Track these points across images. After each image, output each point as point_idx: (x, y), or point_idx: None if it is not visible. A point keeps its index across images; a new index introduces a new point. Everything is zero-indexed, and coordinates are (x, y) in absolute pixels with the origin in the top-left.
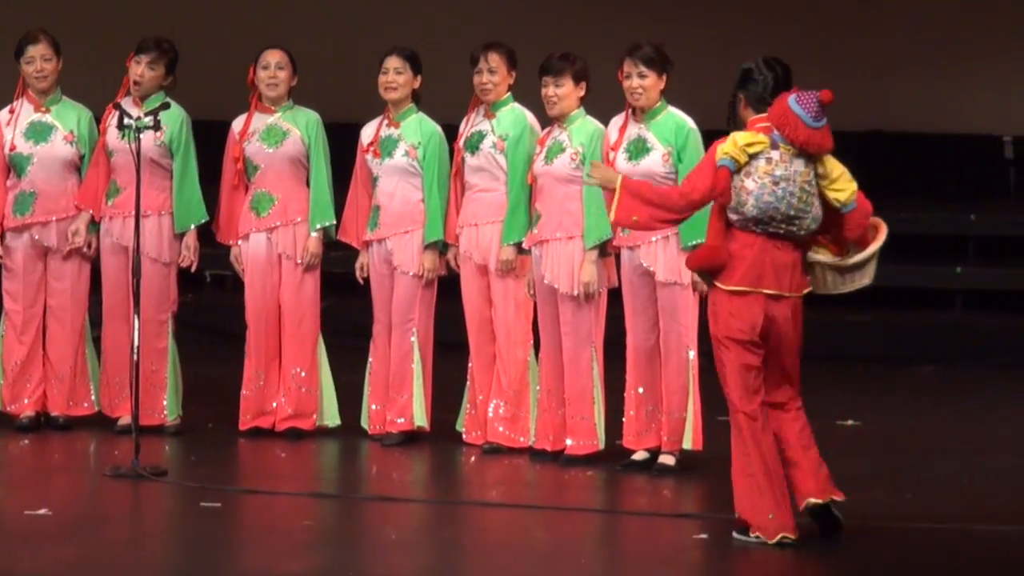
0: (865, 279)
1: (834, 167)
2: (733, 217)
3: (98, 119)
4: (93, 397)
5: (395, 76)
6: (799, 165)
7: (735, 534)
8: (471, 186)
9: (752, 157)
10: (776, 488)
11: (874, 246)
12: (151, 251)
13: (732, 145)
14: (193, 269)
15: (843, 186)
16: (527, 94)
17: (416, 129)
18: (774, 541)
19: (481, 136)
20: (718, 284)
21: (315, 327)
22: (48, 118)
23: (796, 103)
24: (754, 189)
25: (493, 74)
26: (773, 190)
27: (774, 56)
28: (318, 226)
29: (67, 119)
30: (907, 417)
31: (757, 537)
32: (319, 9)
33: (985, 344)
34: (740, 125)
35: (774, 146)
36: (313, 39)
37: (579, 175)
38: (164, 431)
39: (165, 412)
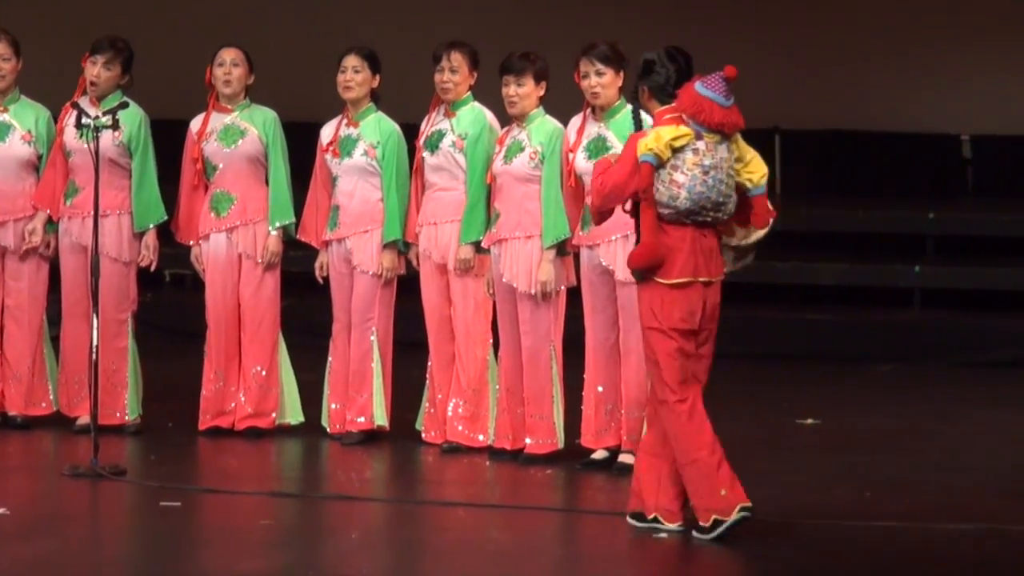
0: (751, 258)
1: (746, 150)
2: (664, 212)
3: (56, 118)
4: (52, 397)
5: (353, 75)
6: (723, 151)
7: (629, 519)
8: (431, 185)
9: (677, 151)
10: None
11: (767, 228)
12: (111, 250)
13: (656, 140)
14: (152, 268)
15: (755, 168)
16: (489, 94)
17: (375, 128)
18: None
19: (441, 135)
20: (658, 279)
21: (275, 326)
22: (6, 117)
23: (704, 87)
24: (685, 182)
25: (454, 73)
26: (704, 180)
27: (675, 46)
28: (277, 224)
29: (25, 119)
30: (866, 416)
31: (655, 520)
32: (278, 7)
33: (944, 342)
34: (648, 112)
35: (698, 136)
36: (272, 37)
37: (538, 174)
38: (123, 430)
39: (126, 411)
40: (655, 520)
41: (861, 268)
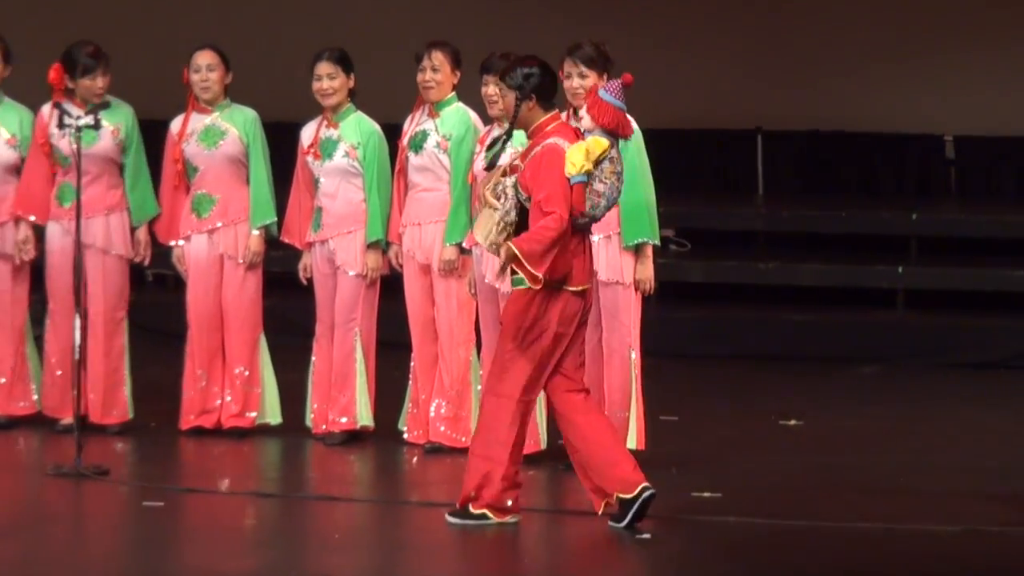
0: None
1: None
2: (580, 221)
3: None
4: (35, 397)
5: (329, 83)
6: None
7: (453, 519)
8: (414, 185)
9: (597, 163)
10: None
11: None
12: (118, 248)
13: (584, 158)
14: (147, 263)
15: None
16: (473, 94)
17: (355, 129)
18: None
19: (425, 135)
20: (568, 288)
21: (257, 326)
22: None
23: (608, 94)
24: (605, 190)
25: (436, 72)
26: (617, 186)
27: (531, 56)
28: (259, 224)
29: (9, 122)
30: (849, 417)
31: (485, 516)
32: (256, 4)
33: (927, 343)
34: (526, 126)
35: (613, 145)
36: (251, 36)
37: None
38: (107, 430)
39: (127, 410)
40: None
41: (844, 269)
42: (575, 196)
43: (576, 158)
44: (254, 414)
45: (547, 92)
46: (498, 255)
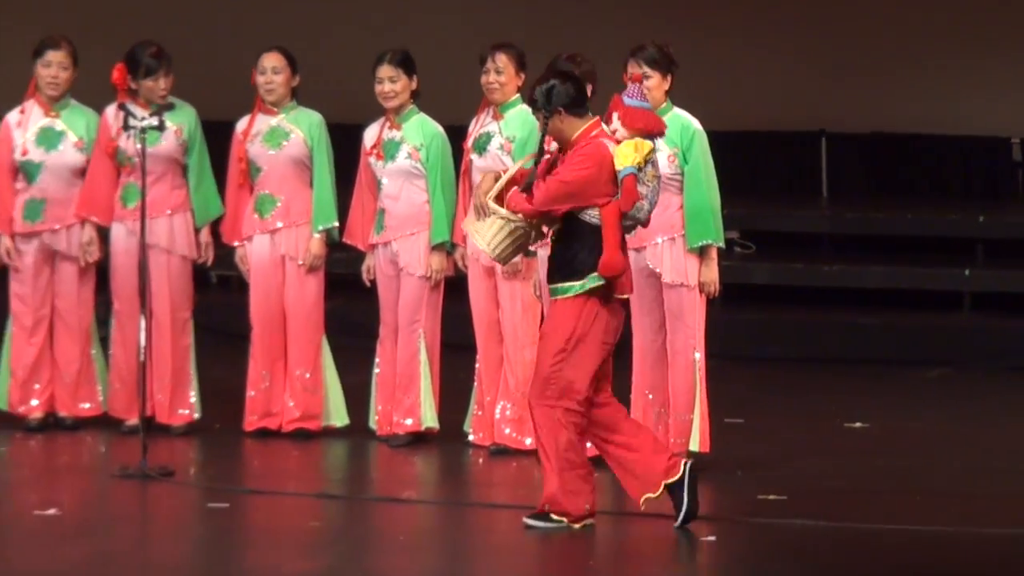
0: None
1: None
2: (625, 224)
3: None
4: (100, 398)
5: (391, 85)
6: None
7: (531, 521)
8: None
9: (645, 162)
10: (590, 476)
11: None
12: (182, 249)
13: (636, 152)
14: (209, 263)
15: None
16: None
17: (418, 131)
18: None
19: (489, 137)
20: (617, 297)
21: (319, 328)
22: (58, 124)
23: (631, 98)
24: (647, 193)
25: (500, 74)
26: (657, 189)
27: (548, 70)
28: (320, 228)
29: (76, 125)
30: (914, 420)
31: (561, 522)
32: (323, 8)
33: (994, 346)
34: (567, 139)
35: (654, 148)
36: (316, 38)
37: None
38: (172, 431)
39: (194, 409)
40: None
41: (910, 271)
42: (627, 186)
43: (627, 151)
44: (315, 417)
45: (575, 100)
46: (504, 263)
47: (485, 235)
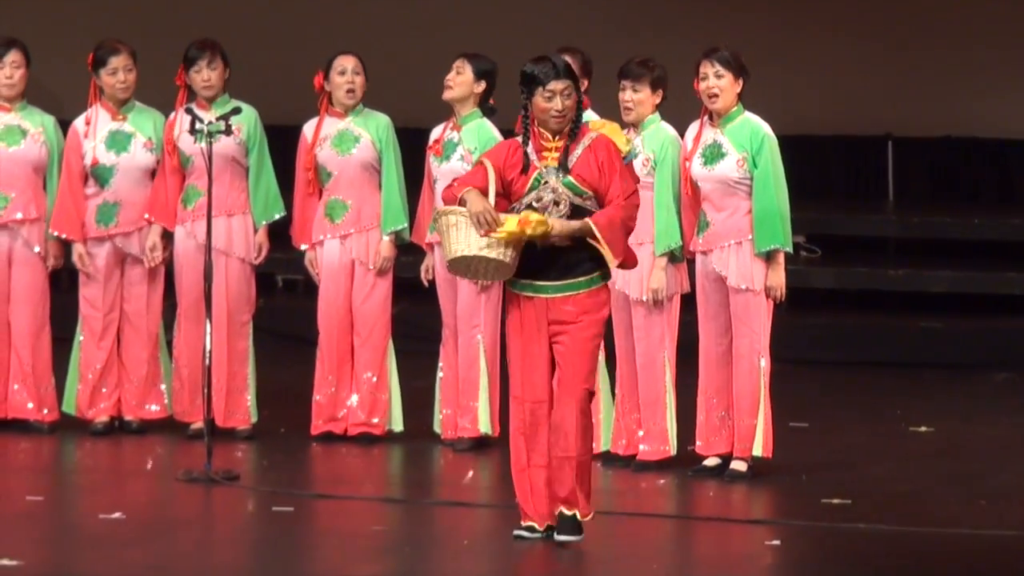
0: None
1: None
2: None
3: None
4: (166, 400)
5: (454, 75)
6: None
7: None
8: None
9: None
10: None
11: None
12: (239, 251)
13: (626, 142)
14: (258, 262)
15: None
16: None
17: (475, 134)
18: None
19: None
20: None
21: (386, 332)
22: (126, 126)
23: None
24: None
25: None
26: None
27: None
28: (390, 230)
29: (144, 126)
30: (980, 424)
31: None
32: (388, 12)
33: None
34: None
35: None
36: (382, 42)
37: (650, 181)
38: (236, 435)
39: (248, 415)
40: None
41: (975, 276)
42: (633, 172)
43: (620, 136)
44: (381, 420)
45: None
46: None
47: (497, 249)
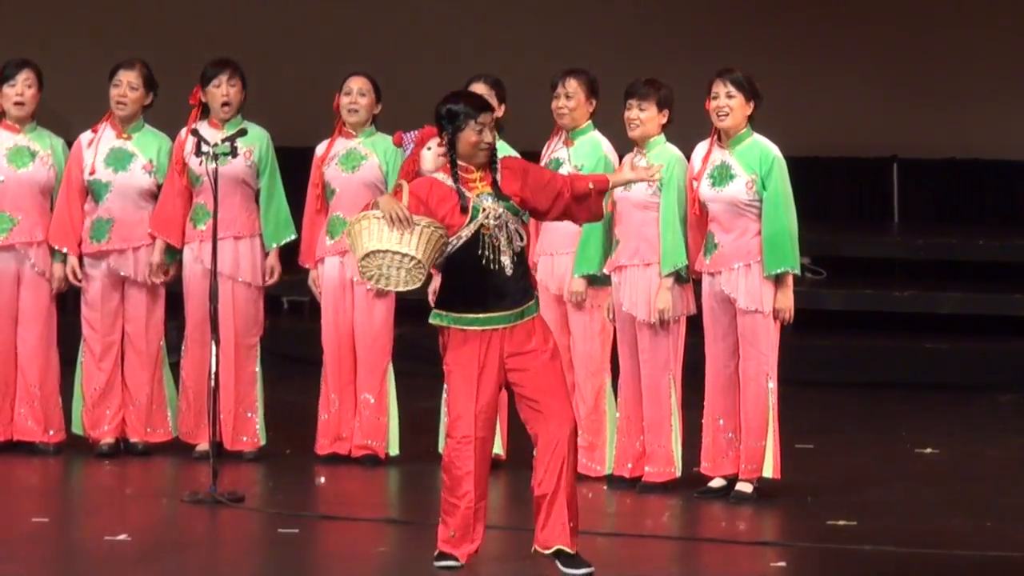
0: None
1: None
2: None
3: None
4: (170, 423)
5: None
6: None
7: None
8: None
9: None
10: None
11: None
12: (246, 276)
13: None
14: (268, 282)
15: None
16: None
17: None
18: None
19: (558, 164)
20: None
21: (386, 353)
22: (129, 146)
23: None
24: None
25: (569, 100)
26: None
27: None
28: None
29: (148, 148)
30: (986, 445)
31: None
32: (405, 36)
33: None
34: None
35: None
36: (399, 67)
37: (656, 201)
38: (242, 457)
39: (257, 437)
40: None
41: (981, 297)
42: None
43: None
44: (380, 443)
45: None
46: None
47: (411, 245)
